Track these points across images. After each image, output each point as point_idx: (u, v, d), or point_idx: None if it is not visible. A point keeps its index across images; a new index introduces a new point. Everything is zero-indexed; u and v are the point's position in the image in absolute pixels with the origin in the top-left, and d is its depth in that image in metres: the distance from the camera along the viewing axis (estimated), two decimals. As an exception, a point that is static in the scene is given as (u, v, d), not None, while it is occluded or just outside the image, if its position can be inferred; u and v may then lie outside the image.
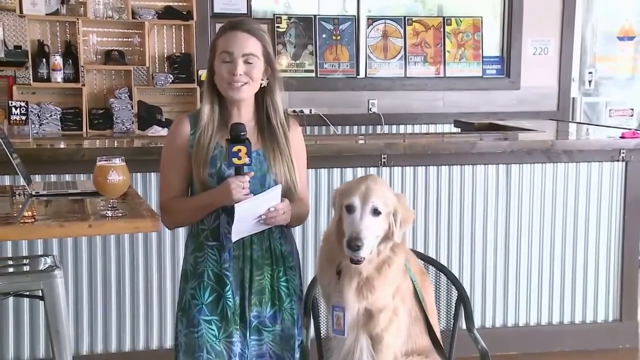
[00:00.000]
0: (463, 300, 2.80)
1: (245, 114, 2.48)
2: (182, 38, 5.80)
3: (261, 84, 2.48)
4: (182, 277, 2.53)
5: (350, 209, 2.35)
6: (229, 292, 2.42)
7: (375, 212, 2.34)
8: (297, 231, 3.82)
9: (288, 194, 2.47)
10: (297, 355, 2.54)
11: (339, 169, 3.88)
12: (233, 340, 2.43)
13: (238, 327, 2.44)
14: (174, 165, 2.48)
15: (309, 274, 3.65)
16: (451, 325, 2.83)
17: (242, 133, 2.32)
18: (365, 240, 2.29)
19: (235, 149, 2.29)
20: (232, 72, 2.39)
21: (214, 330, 2.42)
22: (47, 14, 5.41)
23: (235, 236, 2.36)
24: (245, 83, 2.41)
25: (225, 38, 2.43)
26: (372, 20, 6.26)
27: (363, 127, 6.19)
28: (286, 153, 2.47)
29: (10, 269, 2.95)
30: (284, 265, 2.51)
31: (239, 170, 2.33)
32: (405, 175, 3.99)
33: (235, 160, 2.30)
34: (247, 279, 2.44)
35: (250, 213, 2.34)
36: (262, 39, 2.45)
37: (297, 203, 2.49)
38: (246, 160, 2.30)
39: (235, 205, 2.29)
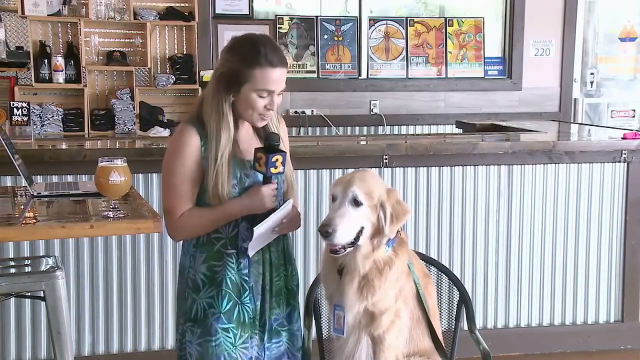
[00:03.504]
0: (465, 301, 2.80)
1: (247, 124, 2.45)
2: (184, 39, 5.80)
3: None
4: (190, 288, 2.44)
5: (333, 198, 2.39)
6: (247, 298, 2.40)
7: (356, 202, 2.35)
8: (299, 232, 3.82)
9: (290, 191, 2.49)
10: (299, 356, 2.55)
11: (340, 170, 3.87)
12: (248, 345, 2.42)
13: (257, 331, 2.44)
14: (187, 179, 2.37)
15: (311, 274, 3.65)
16: (453, 326, 2.83)
17: (276, 143, 2.35)
18: (338, 227, 2.29)
19: (274, 158, 2.32)
20: (268, 108, 2.36)
21: (231, 338, 2.39)
22: (48, 15, 5.41)
23: (252, 252, 2.39)
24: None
25: (265, 74, 2.31)
26: (373, 21, 6.26)
27: (365, 128, 6.19)
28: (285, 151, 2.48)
29: (12, 270, 2.95)
30: (293, 263, 2.56)
31: (267, 179, 2.36)
32: (407, 176, 3.99)
33: (272, 169, 2.33)
34: (268, 283, 2.45)
35: (266, 231, 2.37)
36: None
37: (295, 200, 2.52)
38: (281, 169, 2.34)
39: (255, 229, 2.31)
